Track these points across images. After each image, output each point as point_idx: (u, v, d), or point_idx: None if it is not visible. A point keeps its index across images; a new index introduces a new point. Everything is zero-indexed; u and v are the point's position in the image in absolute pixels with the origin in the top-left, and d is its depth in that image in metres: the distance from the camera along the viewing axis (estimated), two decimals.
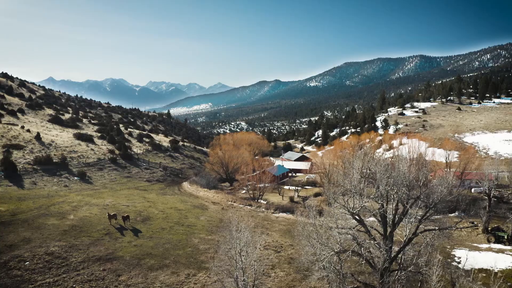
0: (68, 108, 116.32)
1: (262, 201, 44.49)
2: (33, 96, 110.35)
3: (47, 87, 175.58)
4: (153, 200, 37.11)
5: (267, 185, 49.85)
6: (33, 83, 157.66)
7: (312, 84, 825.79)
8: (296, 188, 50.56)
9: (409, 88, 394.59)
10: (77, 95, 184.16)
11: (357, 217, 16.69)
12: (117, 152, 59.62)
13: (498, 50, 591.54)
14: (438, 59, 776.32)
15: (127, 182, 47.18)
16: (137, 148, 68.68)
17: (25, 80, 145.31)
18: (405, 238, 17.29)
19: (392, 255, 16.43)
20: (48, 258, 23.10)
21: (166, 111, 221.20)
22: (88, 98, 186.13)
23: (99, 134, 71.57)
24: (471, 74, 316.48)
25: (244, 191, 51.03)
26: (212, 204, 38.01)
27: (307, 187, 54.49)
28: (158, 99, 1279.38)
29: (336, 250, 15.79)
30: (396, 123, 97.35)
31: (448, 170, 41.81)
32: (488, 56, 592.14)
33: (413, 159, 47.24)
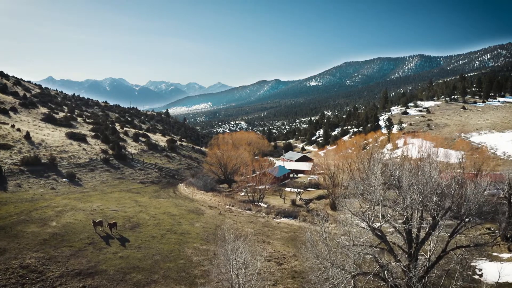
0: (64, 107, 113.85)
1: (262, 204, 41.90)
2: (28, 95, 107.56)
3: (47, 87, 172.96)
4: (145, 204, 34.50)
5: (267, 186, 47.23)
6: (29, 82, 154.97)
7: (312, 84, 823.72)
8: (298, 190, 47.92)
9: (409, 88, 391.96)
10: (74, 94, 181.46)
11: (378, 233, 14.06)
12: (110, 152, 57.01)
13: (499, 50, 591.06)
14: (438, 59, 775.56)
15: (119, 184, 44.56)
16: (132, 148, 66.06)
17: (21, 79, 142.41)
18: (429, 254, 14.74)
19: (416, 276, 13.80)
20: (22, 272, 20.50)
21: (165, 111, 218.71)
22: (86, 97, 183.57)
23: (93, 133, 68.97)
24: (471, 74, 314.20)
25: (243, 193, 48.44)
26: (209, 208, 35.37)
27: (309, 189, 51.84)
28: (158, 98, 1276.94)
29: (353, 273, 13.18)
30: (400, 122, 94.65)
31: (462, 172, 39.23)
32: (489, 56, 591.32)
33: (424, 159, 44.75)
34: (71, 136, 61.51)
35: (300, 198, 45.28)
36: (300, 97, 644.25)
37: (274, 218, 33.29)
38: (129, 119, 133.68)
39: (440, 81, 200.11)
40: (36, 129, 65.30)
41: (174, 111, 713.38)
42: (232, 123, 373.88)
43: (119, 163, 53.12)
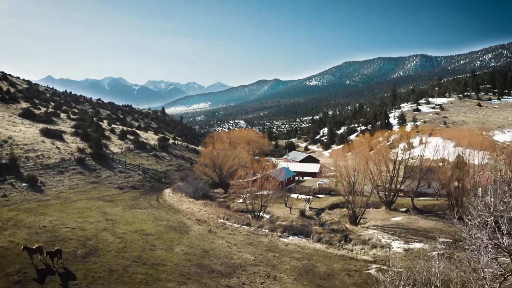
0: (51, 103, 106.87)
1: (264, 215, 34.37)
2: (12, 90, 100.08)
3: (36, 83, 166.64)
4: (115, 218, 26.91)
5: (270, 192, 39.55)
6: (18, 77, 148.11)
7: (312, 83, 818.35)
8: (307, 197, 40.30)
9: (411, 87, 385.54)
10: (66, 90, 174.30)
11: None
12: (88, 151, 49.44)
13: (500, 50, 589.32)
14: (439, 59, 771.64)
15: (91, 190, 36.94)
16: (116, 146, 58.47)
17: (9, 74, 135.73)
18: None
19: None
20: None
21: (165, 110, 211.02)
22: (78, 94, 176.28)
23: (73, 130, 61.44)
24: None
25: (241, 200, 40.89)
26: (197, 223, 27.72)
27: (320, 195, 44.23)
28: (157, 98, 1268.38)
29: None
30: (414, 120, 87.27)
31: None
32: (490, 56, 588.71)
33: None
34: (45, 132, 53.81)
35: (310, 207, 37.74)
36: (300, 96, 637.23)
37: (280, 236, 25.73)
38: (121, 116, 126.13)
39: (450, 79, 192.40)
40: (9, 125, 57.68)
41: (173, 110, 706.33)
42: (231, 122, 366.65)
43: (96, 164, 45.50)
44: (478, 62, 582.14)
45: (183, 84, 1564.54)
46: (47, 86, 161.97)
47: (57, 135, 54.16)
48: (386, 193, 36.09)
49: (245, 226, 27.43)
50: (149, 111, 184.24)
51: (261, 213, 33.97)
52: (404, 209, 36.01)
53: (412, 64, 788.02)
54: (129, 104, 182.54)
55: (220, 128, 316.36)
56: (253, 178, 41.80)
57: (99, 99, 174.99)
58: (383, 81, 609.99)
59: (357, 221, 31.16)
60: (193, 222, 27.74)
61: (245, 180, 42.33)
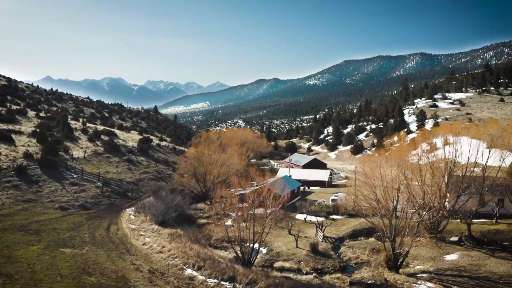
0: (29, 100, 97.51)
1: (261, 248, 24.04)
2: None
3: (44, 87, 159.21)
4: (18, 270, 16.55)
5: (268, 211, 29.06)
6: (3, 76, 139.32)
7: (311, 82, 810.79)
8: (318, 220, 29.74)
9: (412, 86, 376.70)
10: (52, 88, 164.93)
11: None
12: (38, 156, 39.07)
13: (501, 47, 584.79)
14: (439, 57, 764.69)
15: (19, 213, 26.49)
16: (81, 149, 48.08)
17: None
18: None
19: None
20: None
21: (164, 110, 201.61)
22: (65, 92, 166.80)
23: (31, 130, 51.23)
24: (475, 71, 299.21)
25: (229, 222, 30.51)
26: (148, 279, 17.21)
27: (334, 216, 33.62)
28: (156, 98, 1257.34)
29: None
30: (436, 116, 76.97)
31: None
32: (491, 54, 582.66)
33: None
34: None
35: (324, 236, 27.30)
36: (299, 95, 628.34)
37: None
38: (107, 115, 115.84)
39: (464, 74, 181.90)
40: None
41: (172, 110, 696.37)
42: (230, 121, 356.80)
43: (43, 174, 35.06)
44: (479, 60, 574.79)
45: (182, 84, 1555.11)
46: (31, 84, 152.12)
47: (5, 137, 43.89)
48: (431, 215, 25.85)
49: (227, 284, 17.05)
50: (140, 110, 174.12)
51: (255, 246, 23.47)
52: (455, 239, 25.77)
53: (412, 62, 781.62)
54: (119, 103, 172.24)
55: (218, 128, 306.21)
56: (249, 190, 31.21)
57: (88, 97, 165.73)
58: (384, 80, 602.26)
59: (399, 264, 20.94)
60: (143, 276, 17.28)
61: (238, 191, 31.90)
